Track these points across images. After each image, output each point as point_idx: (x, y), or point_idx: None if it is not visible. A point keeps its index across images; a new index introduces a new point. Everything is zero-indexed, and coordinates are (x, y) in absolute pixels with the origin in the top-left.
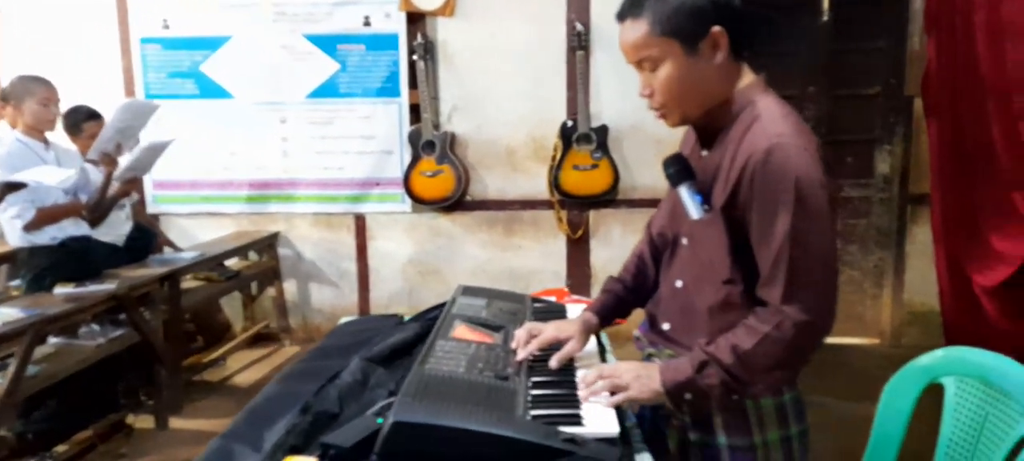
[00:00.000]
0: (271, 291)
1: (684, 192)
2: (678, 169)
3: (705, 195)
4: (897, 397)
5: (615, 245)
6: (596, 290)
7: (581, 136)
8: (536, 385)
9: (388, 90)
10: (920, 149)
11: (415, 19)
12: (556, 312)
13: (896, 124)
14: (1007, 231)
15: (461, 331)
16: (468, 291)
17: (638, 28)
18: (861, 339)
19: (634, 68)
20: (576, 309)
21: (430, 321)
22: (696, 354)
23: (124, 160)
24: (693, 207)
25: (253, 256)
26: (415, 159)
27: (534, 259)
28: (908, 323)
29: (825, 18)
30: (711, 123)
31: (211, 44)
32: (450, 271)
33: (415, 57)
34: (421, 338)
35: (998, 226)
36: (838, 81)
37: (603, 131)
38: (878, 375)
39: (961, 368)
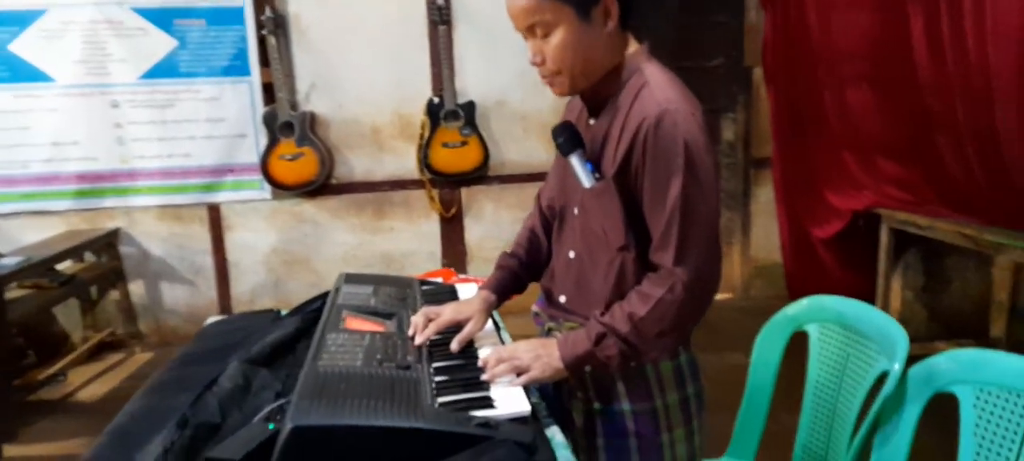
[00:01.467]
0: (114, 294)
1: (575, 161)
2: (567, 138)
3: (595, 163)
4: (767, 346)
5: (488, 222)
6: (472, 268)
7: (448, 113)
8: (438, 371)
9: (236, 69)
10: (760, 116)
11: None
12: (446, 293)
13: (738, 93)
14: (840, 187)
15: (351, 322)
16: (351, 279)
17: None
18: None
19: (523, 35)
20: (466, 289)
21: (311, 314)
22: (593, 326)
23: None
24: (584, 176)
25: (90, 257)
26: (272, 142)
27: (407, 241)
28: (755, 276)
29: None
30: (599, 91)
31: (20, 20)
32: (318, 259)
33: (264, 32)
34: (303, 333)
35: (832, 183)
36: (684, 54)
37: (470, 107)
38: (733, 327)
39: (822, 315)
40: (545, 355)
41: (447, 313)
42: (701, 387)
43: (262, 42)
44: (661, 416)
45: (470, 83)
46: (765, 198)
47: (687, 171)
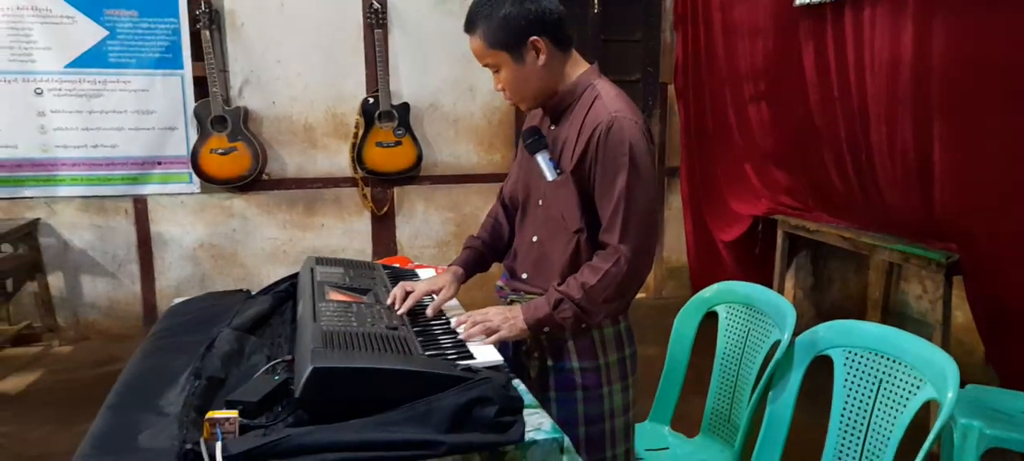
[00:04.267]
0: (32, 286)
1: (541, 159)
2: (535, 140)
3: (556, 161)
4: (684, 324)
5: (419, 220)
6: None
7: (383, 113)
8: (419, 333)
9: (168, 61)
10: (673, 128)
11: None
12: (406, 275)
13: (653, 107)
14: (742, 195)
15: (334, 295)
16: (322, 261)
17: (476, 42)
18: None
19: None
20: (424, 273)
21: (281, 293)
22: (551, 294)
23: None
24: (548, 171)
25: (7, 248)
26: (204, 136)
27: (338, 237)
28: (667, 278)
29: (595, 11)
30: (559, 103)
31: None
32: (247, 254)
33: (199, 26)
34: (275, 309)
35: (735, 191)
36: (605, 68)
37: (405, 109)
38: (648, 323)
39: (729, 297)
40: (512, 318)
41: (422, 286)
42: (635, 350)
43: (195, 36)
44: (603, 372)
45: (404, 86)
46: (676, 205)
47: (631, 168)
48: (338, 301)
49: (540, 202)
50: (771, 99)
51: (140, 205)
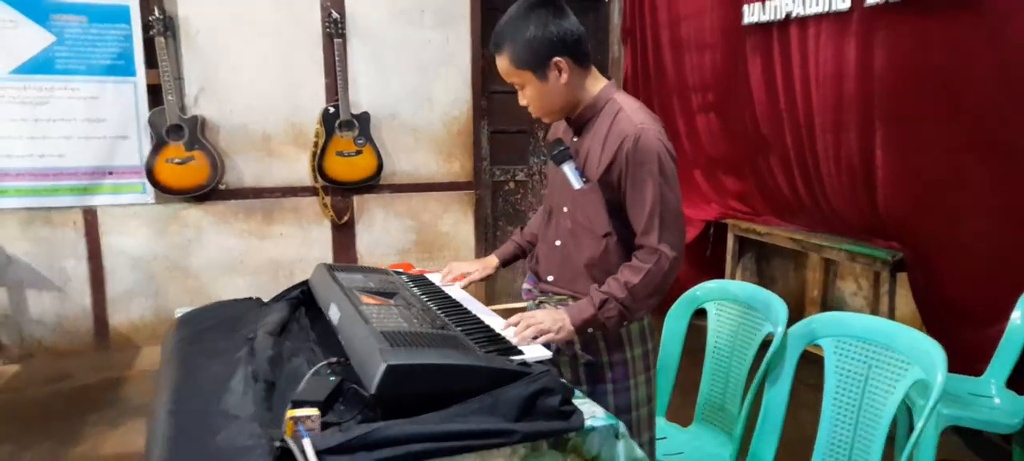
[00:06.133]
0: None
1: (567, 168)
2: (561, 151)
3: (581, 170)
4: (674, 321)
5: (379, 228)
6: None
7: (343, 123)
8: (465, 332)
9: (120, 68)
10: None
11: None
12: (423, 281)
13: None
14: (693, 201)
15: (368, 299)
16: (337, 268)
17: (502, 61)
18: None
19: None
20: (433, 278)
21: (294, 300)
22: (595, 295)
23: None
24: (575, 180)
25: None
26: (159, 145)
27: (297, 247)
28: None
29: None
30: (581, 116)
31: None
32: (201, 265)
33: (153, 33)
34: (291, 316)
35: (687, 198)
36: None
37: (365, 118)
38: None
39: (718, 295)
40: (559, 319)
41: (462, 266)
42: (656, 345)
43: (149, 43)
44: (630, 365)
45: (363, 95)
46: None
47: (660, 175)
48: (375, 304)
49: (565, 208)
50: (719, 110)
51: (90, 216)
